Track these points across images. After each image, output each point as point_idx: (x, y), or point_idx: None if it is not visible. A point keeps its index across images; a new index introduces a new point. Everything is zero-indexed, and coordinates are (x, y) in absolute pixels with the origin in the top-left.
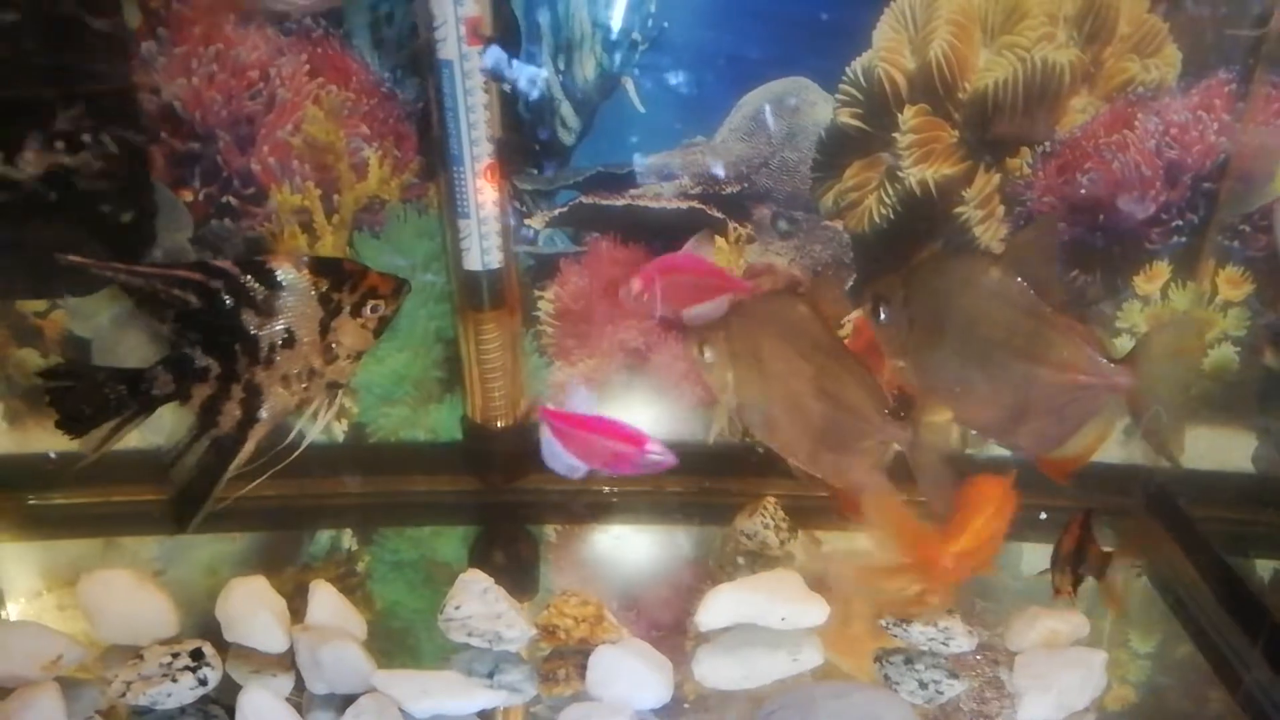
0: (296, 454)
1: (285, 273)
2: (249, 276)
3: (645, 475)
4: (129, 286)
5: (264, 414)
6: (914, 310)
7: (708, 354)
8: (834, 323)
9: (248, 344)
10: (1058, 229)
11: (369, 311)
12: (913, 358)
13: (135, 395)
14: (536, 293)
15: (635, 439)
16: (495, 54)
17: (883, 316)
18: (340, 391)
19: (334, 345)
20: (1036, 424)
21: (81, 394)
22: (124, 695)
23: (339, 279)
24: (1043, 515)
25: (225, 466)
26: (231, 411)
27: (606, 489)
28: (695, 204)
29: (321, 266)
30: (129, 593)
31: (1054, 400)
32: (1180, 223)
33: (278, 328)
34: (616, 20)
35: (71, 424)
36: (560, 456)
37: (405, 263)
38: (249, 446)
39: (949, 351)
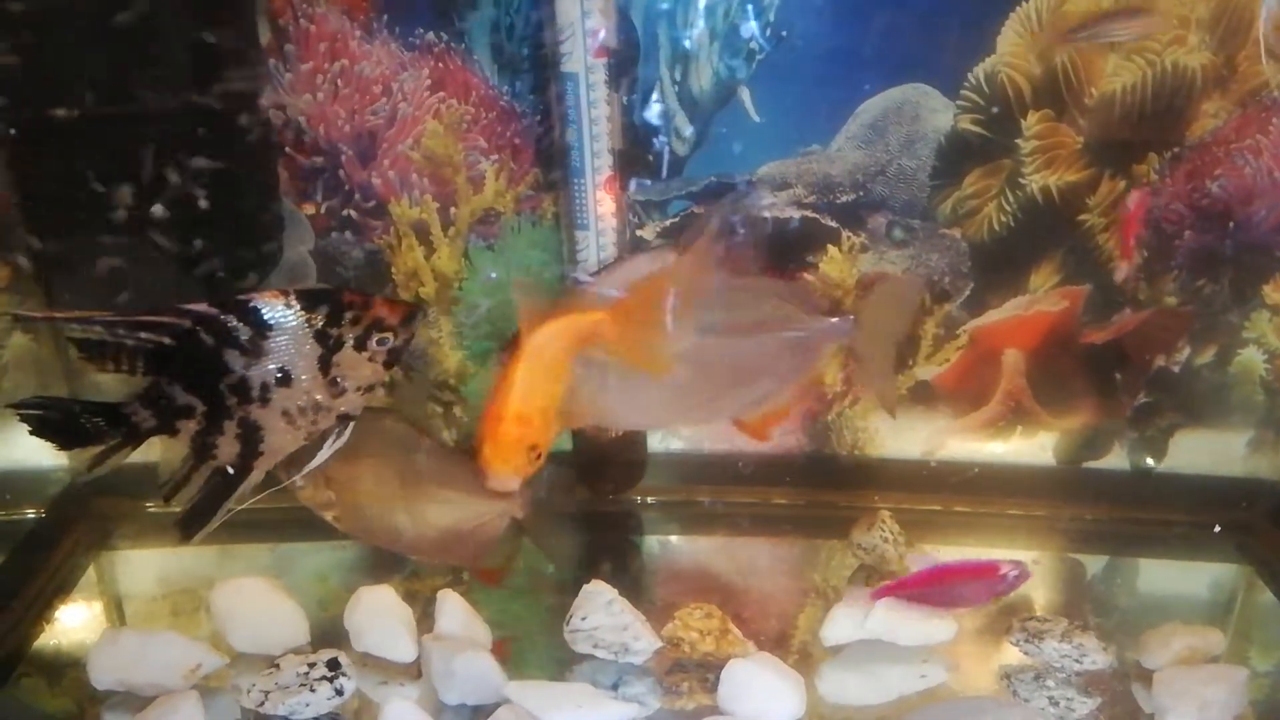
0: (289, 481)
1: (271, 310)
2: (230, 316)
3: None
4: (74, 338)
5: (265, 448)
6: None
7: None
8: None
9: (235, 383)
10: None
11: (375, 344)
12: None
13: (116, 426)
14: None
15: (984, 569)
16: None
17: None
18: (353, 423)
19: (339, 380)
20: (757, 390)
21: (57, 424)
22: (262, 705)
23: (336, 312)
24: (1217, 529)
25: (231, 491)
26: (229, 445)
27: (708, 500)
28: (809, 213)
29: (314, 300)
30: (262, 601)
31: (775, 362)
32: None
33: (269, 367)
34: (734, 30)
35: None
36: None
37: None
38: (255, 476)
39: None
